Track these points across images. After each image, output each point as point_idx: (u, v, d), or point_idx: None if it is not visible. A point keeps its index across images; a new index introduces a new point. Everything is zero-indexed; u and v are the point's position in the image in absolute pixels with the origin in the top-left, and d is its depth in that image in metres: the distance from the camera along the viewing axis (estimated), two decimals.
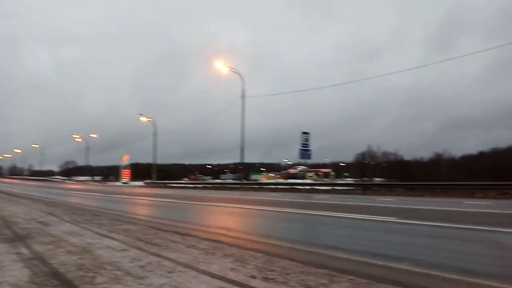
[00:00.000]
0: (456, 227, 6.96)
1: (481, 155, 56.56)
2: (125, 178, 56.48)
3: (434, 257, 4.50)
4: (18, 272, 3.79)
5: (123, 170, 58.27)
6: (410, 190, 21.58)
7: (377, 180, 56.04)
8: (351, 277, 3.49)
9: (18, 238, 6.02)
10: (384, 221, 7.97)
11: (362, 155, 73.60)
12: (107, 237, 6.01)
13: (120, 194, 23.40)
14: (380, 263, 4.17)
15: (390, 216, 8.48)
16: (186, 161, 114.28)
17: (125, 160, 58.89)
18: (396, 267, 3.97)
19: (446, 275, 3.61)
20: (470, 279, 3.44)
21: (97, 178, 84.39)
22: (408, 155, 69.83)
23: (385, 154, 70.26)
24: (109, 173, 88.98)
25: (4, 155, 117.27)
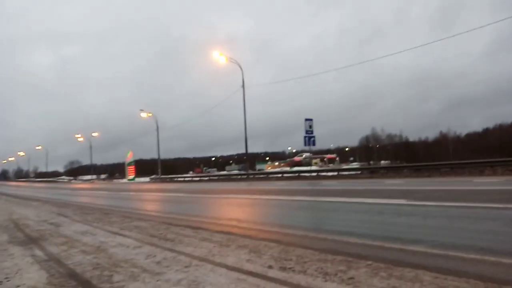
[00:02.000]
0: (469, 206, 6.90)
1: (486, 131, 56.35)
2: (130, 175, 56.68)
3: (450, 237, 4.46)
4: (35, 275, 3.79)
5: (128, 167, 58.45)
6: (417, 171, 21.51)
7: (383, 163, 55.95)
8: (368, 262, 3.46)
9: (31, 240, 6.04)
10: (394, 204, 7.93)
11: (367, 138, 73.30)
12: (120, 234, 6.01)
13: (127, 191, 23.50)
14: (396, 246, 4.13)
15: (401, 199, 8.44)
16: (191, 155, 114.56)
17: (129, 157, 59.02)
18: (412, 250, 3.93)
19: (465, 255, 3.56)
20: (491, 258, 3.40)
21: (103, 176, 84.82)
22: (413, 136, 69.58)
23: (390, 136, 69.94)
24: (114, 170, 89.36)
25: (9, 158, 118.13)
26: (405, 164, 30.97)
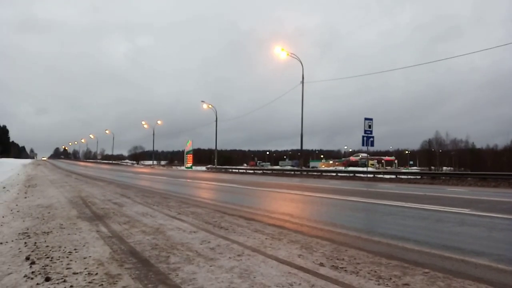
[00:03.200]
0: None
1: None
2: (189, 163, 58.76)
3: None
4: (100, 249, 4.10)
5: (187, 155, 60.63)
6: (483, 180, 20.01)
7: (446, 169, 52.84)
8: (426, 270, 3.33)
9: (97, 217, 6.52)
10: (456, 212, 7.49)
11: (429, 142, 69.47)
12: (177, 219, 6.30)
13: (185, 178, 24.41)
14: (456, 256, 3.92)
15: (463, 208, 7.95)
16: (247, 147, 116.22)
17: (189, 145, 61.13)
18: (474, 262, 3.70)
19: None
20: None
21: (163, 162, 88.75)
22: (480, 143, 64.72)
23: (455, 141, 65.75)
24: (174, 157, 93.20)
25: (81, 140, 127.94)
26: (469, 172, 28.96)
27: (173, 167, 66.59)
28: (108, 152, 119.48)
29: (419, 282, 2.99)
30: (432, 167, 56.96)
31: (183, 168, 58.37)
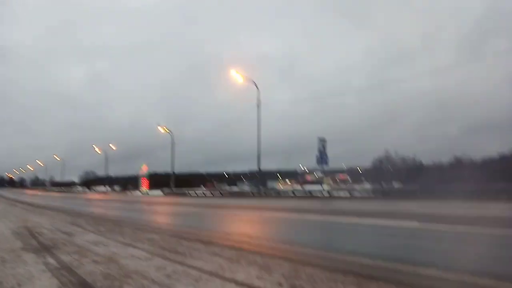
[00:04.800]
0: (482, 232, 6.76)
1: (503, 158, 55.00)
2: (144, 188, 57.12)
3: (466, 262, 4.38)
4: (47, 282, 3.84)
5: (142, 180, 58.98)
6: (431, 194, 21.17)
7: (396, 185, 55.09)
8: (380, 283, 3.42)
9: (44, 248, 6.12)
10: (407, 227, 7.80)
11: (380, 160, 72.41)
12: (131, 246, 6.05)
13: (140, 203, 23.65)
14: (408, 269, 4.06)
15: (414, 221, 8.30)
16: (204, 170, 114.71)
17: (144, 169, 59.60)
18: (425, 274, 3.85)
19: (480, 281, 3.49)
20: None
21: (117, 188, 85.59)
22: (426, 160, 68.10)
23: (403, 158, 68.96)
24: (129, 182, 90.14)
25: (28, 166, 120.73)
26: (418, 187, 30.42)
27: (128, 192, 64.37)
28: (58, 178, 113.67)
29: None
30: (383, 183, 59.17)
31: (138, 193, 56.59)
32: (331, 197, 24.74)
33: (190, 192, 43.56)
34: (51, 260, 5.04)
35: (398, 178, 61.73)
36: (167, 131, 48.36)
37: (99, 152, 71.41)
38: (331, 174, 71.49)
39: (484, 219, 9.16)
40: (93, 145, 73.82)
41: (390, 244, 5.97)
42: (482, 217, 9.66)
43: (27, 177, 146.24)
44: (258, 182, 39.34)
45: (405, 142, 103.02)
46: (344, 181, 71.46)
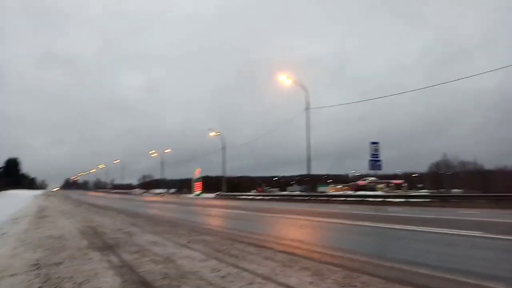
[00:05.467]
0: None
1: None
2: (197, 190, 58.73)
3: None
4: (111, 279, 4.11)
5: (195, 183, 60.69)
6: (495, 202, 19.72)
7: (455, 191, 52.08)
8: None
9: (107, 247, 6.53)
10: (468, 235, 7.38)
11: (437, 164, 68.80)
12: (187, 247, 6.28)
13: (193, 205, 24.36)
14: (470, 281, 3.86)
15: (475, 230, 7.83)
16: (254, 174, 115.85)
17: (197, 173, 61.30)
18: (489, 286, 3.65)
19: None
20: None
21: (172, 190, 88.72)
22: (489, 164, 63.76)
23: (463, 163, 65.04)
24: (183, 185, 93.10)
25: (90, 170, 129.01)
26: (481, 194, 28.47)
27: (182, 195, 66.47)
28: (118, 181, 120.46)
29: None
30: (442, 189, 56.17)
31: (191, 195, 58.26)
32: (385, 203, 23.89)
33: (240, 195, 44.13)
34: (113, 259, 5.38)
35: (457, 183, 58.35)
36: (218, 134, 49.53)
37: (156, 155, 74.77)
38: (385, 179, 69.04)
39: None
40: (150, 150, 77.30)
41: (449, 254, 5.68)
42: None
43: (90, 180, 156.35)
44: (308, 187, 38.98)
45: (465, 146, 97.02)
46: (399, 186, 68.63)
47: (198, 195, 56.59)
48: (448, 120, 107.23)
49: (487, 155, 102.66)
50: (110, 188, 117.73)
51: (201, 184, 59.25)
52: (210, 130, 50.41)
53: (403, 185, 71.12)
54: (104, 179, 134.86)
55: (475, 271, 4.30)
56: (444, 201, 22.58)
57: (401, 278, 3.97)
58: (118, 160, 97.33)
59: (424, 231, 8.30)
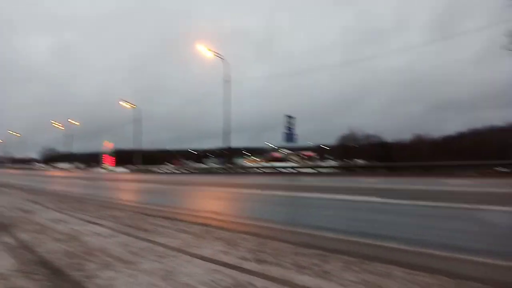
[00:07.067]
0: (441, 205, 7.11)
1: (461, 136, 57.62)
2: (108, 165, 55.82)
3: (422, 235, 4.60)
4: (5, 262, 3.69)
5: (106, 157, 57.54)
6: (392, 170, 22.00)
7: (359, 162, 56.83)
8: (342, 256, 3.52)
9: (2, 227, 5.87)
10: (370, 201, 8.08)
11: (344, 137, 74.16)
12: (94, 223, 5.91)
13: (104, 180, 23.12)
14: (371, 242, 4.22)
15: (375, 196, 8.60)
16: (172, 147, 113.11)
17: (108, 146, 58.07)
18: (386, 246, 4.02)
19: (436, 252, 3.68)
20: (460, 256, 3.52)
21: (80, 165, 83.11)
22: (391, 138, 70.50)
23: (367, 136, 70.94)
24: (93, 160, 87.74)
25: None
26: (380, 164, 31.47)
27: (92, 169, 62.72)
28: (18, 155, 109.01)
29: (336, 268, 3.16)
30: (347, 160, 60.90)
31: (103, 170, 55.26)
32: (297, 173, 25.16)
33: (156, 169, 43.01)
34: (8, 240, 4.84)
35: (362, 155, 63.65)
36: (133, 106, 47.04)
37: (62, 128, 68.73)
38: (299, 151, 72.61)
39: (444, 194, 9.63)
40: (52, 121, 70.74)
41: (354, 218, 6.17)
42: (442, 192, 10.14)
43: None
44: (225, 159, 39.37)
45: (371, 120, 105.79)
46: (310, 158, 72.82)
47: (110, 169, 53.88)
48: (360, 97, 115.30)
49: (389, 129, 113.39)
50: (7, 163, 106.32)
51: (113, 158, 56.38)
52: (124, 100, 47.66)
53: (314, 156, 75.61)
54: (1, 153, 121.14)
55: (376, 233, 4.71)
56: (349, 170, 24.54)
57: (310, 242, 4.18)
58: (18, 132, 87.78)
59: (332, 198, 8.89)
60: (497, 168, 18.95)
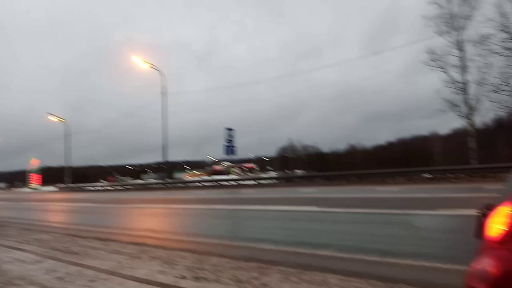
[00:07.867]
0: (373, 212, 7.48)
1: (390, 145, 61.63)
2: (34, 184, 51.67)
3: (356, 241, 4.79)
4: None
5: (31, 175, 53.25)
6: (328, 180, 22.80)
7: (298, 172, 58.41)
8: (281, 267, 3.55)
9: None
10: (307, 211, 8.29)
11: (284, 148, 76.09)
12: (16, 249, 5.41)
13: (29, 201, 21.34)
14: (307, 251, 4.32)
15: (313, 206, 8.84)
16: (106, 163, 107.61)
17: (34, 163, 53.84)
18: (322, 254, 4.14)
19: (368, 257, 3.84)
20: (390, 260, 3.70)
21: (1, 184, 76.02)
22: (326, 148, 73.57)
23: (305, 147, 73.40)
24: (17, 179, 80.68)
25: None
26: (317, 174, 32.55)
27: (15, 189, 57.70)
28: None
29: (275, 280, 3.17)
30: (287, 171, 62.30)
31: (27, 189, 51.06)
32: (238, 186, 25.16)
33: (88, 187, 40.65)
34: None
35: (300, 165, 65.56)
36: (61, 120, 44.10)
37: None
38: (240, 163, 72.91)
39: (375, 201, 10.15)
40: None
41: (292, 228, 6.29)
42: (373, 199, 10.69)
43: None
44: (164, 174, 38.26)
45: (309, 132, 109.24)
46: (251, 170, 73.42)
47: (36, 188, 49.94)
48: (297, 109, 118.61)
49: (325, 139, 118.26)
50: None
51: (39, 176, 52.35)
52: (51, 114, 44.49)
53: (255, 168, 76.36)
54: None
55: (312, 242, 4.82)
56: (289, 181, 25.07)
57: (249, 256, 4.17)
58: None
59: (271, 209, 9.00)
60: (423, 175, 20.38)
